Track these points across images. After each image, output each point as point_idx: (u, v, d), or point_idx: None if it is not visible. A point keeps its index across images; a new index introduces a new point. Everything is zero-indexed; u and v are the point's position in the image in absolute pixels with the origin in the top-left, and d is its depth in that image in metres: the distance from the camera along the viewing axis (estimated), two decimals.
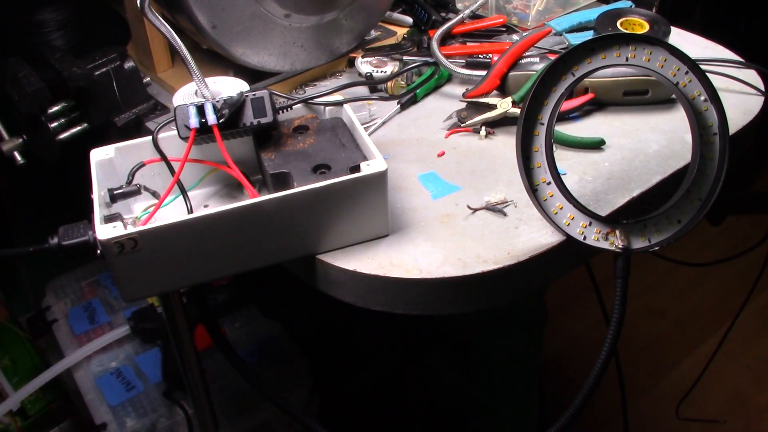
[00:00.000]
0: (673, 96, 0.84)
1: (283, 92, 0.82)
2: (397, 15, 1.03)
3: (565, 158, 0.77)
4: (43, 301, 1.35)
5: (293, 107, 0.73)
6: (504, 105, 0.82)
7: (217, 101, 0.65)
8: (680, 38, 0.99)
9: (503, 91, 0.86)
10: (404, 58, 0.93)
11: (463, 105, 0.85)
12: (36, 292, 1.37)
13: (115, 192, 0.65)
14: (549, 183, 0.64)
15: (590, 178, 0.74)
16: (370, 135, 0.75)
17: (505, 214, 0.69)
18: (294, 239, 0.64)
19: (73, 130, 0.82)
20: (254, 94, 0.66)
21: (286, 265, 0.68)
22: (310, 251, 0.65)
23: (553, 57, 0.77)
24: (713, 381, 1.73)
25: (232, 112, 0.65)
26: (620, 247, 0.64)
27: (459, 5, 1.05)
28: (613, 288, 0.64)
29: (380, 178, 0.62)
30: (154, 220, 0.62)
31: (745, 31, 2.15)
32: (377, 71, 0.91)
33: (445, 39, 0.98)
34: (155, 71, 0.93)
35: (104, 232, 0.57)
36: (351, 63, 0.95)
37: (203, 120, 0.64)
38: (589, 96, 0.83)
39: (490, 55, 0.92)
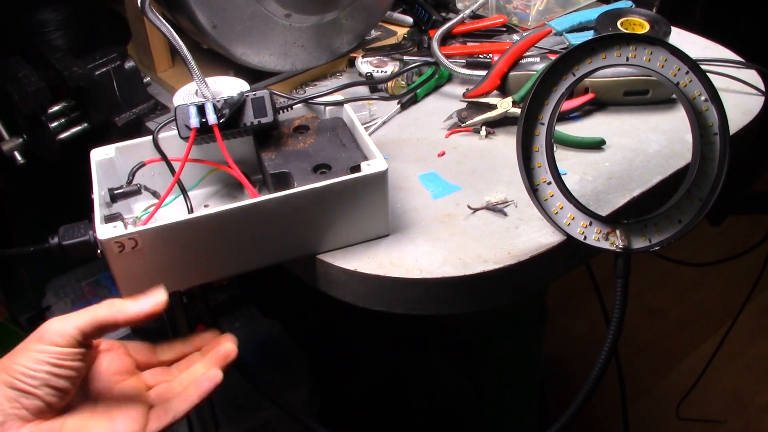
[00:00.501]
0: (674, 96, 0.84)
1: (284, 92, 0.82)
2: (397, 15, 1.03)
3: (565, 158, 0.77)
4: (43, 301, 1.35)
5: (293, 107, 0.73)
6: (504, 105, 0.82)
7: (218, 101, 0.65)
8: (680, 38, 0.99)
9: (503, 90, 0.86)
10: (404, 57, 0.93)
11: (464, 105, 0.85)
12: (36, 292, 1.37)
13: (115, 192, 0.65)
14: (549, 183, 0.64)
15: (591, 178, 0.74)
16: (370, 135, 0.75)
17: (505, 214, 0.69)
18: (294, 239, 0.64)
19: (74, 130, 0.82)
20: (255, 94, 0.66)
21: (286, 265, 0.68)
22: (311, 251, 0.65)
23: (553, 57, 0.77)
24: (713, 381, 1.73)
25: (232, 112, 0.65)
26: (620, 247, 0.64)
27: (459, 5, 1.05)
28: (613, 288, 0.64)
29: (381, 177, 0.62)
30: (155, 220, 0.62)
31: (745, 31, 2.15)
32: (377, 71, 0.91)
33: (446, 39, 0.98)
34: (155, 71, 0.93)
35: (104, 231, 0.57)
36: (351, 63, 0.95)
37: (204, 120, 0.64)
38: (590, 96, 0.83)
39: (491, 55, 0.92)
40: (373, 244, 0.66)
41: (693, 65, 0.63)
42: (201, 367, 0.62)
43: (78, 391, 0.56)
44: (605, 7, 0.98)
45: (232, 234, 0.60)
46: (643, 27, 0.92)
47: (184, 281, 0.63)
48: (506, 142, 0.81)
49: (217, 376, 0.60)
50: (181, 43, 0.67)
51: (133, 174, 0.66)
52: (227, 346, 0.63)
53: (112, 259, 0.58)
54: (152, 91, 0.89)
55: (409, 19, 1.03)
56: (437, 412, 1.51)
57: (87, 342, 0.54)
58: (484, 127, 0.82)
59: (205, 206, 0.72)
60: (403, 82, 0.91)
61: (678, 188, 0.66)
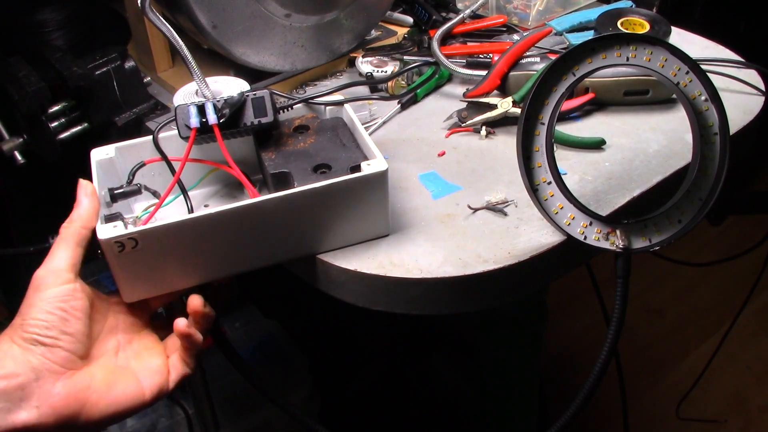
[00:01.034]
0: (674, 96, 0.84)
1: (284, 92, 0.82)
2: (397, 15, 1.03)
3: (565, 158, 0.77)
4: None
5: (294, 107, 0.73)
6: (504, 105, 0.82)
7: (218, 101, 0.65)
8: (680, 38, 0.99)
9: (504, 90, 0.86)
10: (405, 57, 0.93)
11: (464, 105, 0.85)
12: None
13: (115, 191, 0.65)
14: (549, 183, 0.64)
15: (591, 177, 0.74)
16: (370, 135, 0.75)
17: (505, 214, 0.69)
18: (294, 239, 0.64)
19: (74, 130, 0.82)
20: (255, 94, 0.66)
21: (286, 265, 0.68)
22: (311, 251, 0.65)
23: (553, 57, 0.77)
24: (713, 381, 1.73)
25: (232, 112, 0.65)
26: (621, 246, 0.64)
27: (459, 5, 1.05)
28: (613, 288, 0.64)
29: (381, 177, 0.62)
30: (155, 220, 0.62)
31: (745, 31, 2.15)
32: (378, 71, 0.91)
33: (446, 39, 0.98)
34: (156, 71, 0.93)
35: (104, 231, 0.57)
36: (351, 63, 0.95)
37: (204, 120, 0.64)
38: (590, 96, 0.83)
39: (491, 54, 0.92)
40: (373, 244, 0.66)
41: (693, 65, 0.63)
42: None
43: (100, 339, 0.58)
44: (605, 7, 0.98)
45: (232, 234, 0.60)
46: (643, 27, 0.92)
47: (184, 281, 0.63)
48: (506, 142, 0.81)
49: (209, 312, 0.61)
50: (181, 43, 0.67)
51: (133, 174, 0.66)
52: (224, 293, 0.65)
53: (112, 259, 0.58)
54: (152, 91, 0.89)
55: (409, 19, 1.03)
56: (437, 412, 1.51)
57: (77, 270, 0.56)
58: (484, 127, 0.82)
59: (205, 206, 0.72)
60: (403, 82, 0.91)
61: (678, 188, 0.66)
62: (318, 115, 0.73)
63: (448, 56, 0.92)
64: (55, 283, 0.55)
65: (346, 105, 0.72)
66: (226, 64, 0.88)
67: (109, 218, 0.61)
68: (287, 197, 0.60)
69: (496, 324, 1.14)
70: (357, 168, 0.63)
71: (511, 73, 0.85)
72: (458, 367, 1.52)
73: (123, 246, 0.57)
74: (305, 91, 0.92)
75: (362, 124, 0.69)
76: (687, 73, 0.63)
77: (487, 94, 0.85)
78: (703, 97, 0.64)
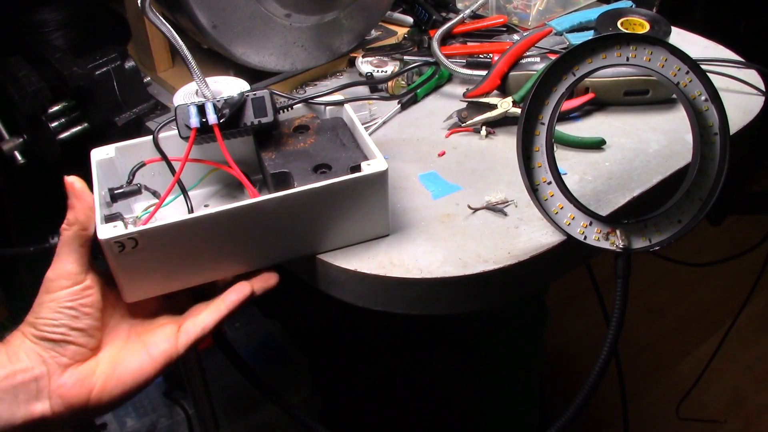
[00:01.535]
0: (674, 96, 0.84)
1: (284, 92, 0.82)
2: (397, 15, 1.03)
3: (565, 158, 0.77)
4: None
5: (294, 107, 0.73)
6: (504, 105, 0.82)
7: (218, 101, 0.65)
8: (681, 38, 0.99)
9: (504, 90, 0.86)
10: (405, 57, 0.93)
11: (464, 105, 0.85)
12: (36, 292, 1.37)
13: (115, 191, 0.65)
14: (549, 183, 0.64)
15: (591, 177, 0.74)
16: (370, 135, 0.75)
17: (505, 214, 0.69)
18: (294, 239, 0.64)
19: (74, 130, 0.82)
20: (255, 94, 0.66)
21: (286, 265, 0.68)
22: (311, 251, 0.65)
23: (553, 57, 0.77)
24: (713, 381, 1.73)
25: (232, 112, 0.65)
26: (621, 246, 0.64)
27: (459, 5, 1.05)
28: (613, 288, 0.64)
29: (381, 177, 0.62)
30: (155, 220, 0.62)
31: (745, 31, 2.15)
32: (378, 71, 0.91)
33: (446, 39, 0.98)
34: (156, 71, 0.93)
35: (105, 231, 0.57)
36: (351, 63, 0.95)
37: (204, 120, 0.64)
38: (590, 96, 0.83)
39: (491, 54, 0.92)
40: (373, 244, 0.66)
41: (693, 65, 0.63)
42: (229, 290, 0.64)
43: (112, 326, 0.59)
44: (605, 7, 0.98)
45: (232, 234, 0.60)
46: (643, 27, 0.92)
47: (184, 281, 0.63)
48: (506, 142, 0.81)
49: (244, 288, 0.62)
50: (181, 43, 0.67)
51: (133, 174, 0.66)
52: (269, 275, 0.64)
53: (112, 259, 0.58)
54: (152, 91, 0.89)
55: (409, 19, 1.03)
56: (437, 411, 1.51)
57: (86, 269, 0.57)
58: (484, 127, 0.82)
59: (205, 206, 0.72)
60: (403, 82, 0.91)
61: (678, 188, 0.66)
62: (318, 115, 0.73)
63: (448, 56, 0.92)
64: (64, 285, 0.56)
65: (346, 105, 0.72)
66: (226, 64, 0.88)
67: (109, 218, 0.61)
68: (287, 197, 0.60)
69: (496, 324, 1.14)
70: (357, 168, 0.63)
71: (511, 73, 0.85)
72: (458, 367, 1.52)
73: (123, 246, 0.57)
74: (305, 91, 0.92)
75: (362, 124, 0.69)
76: (687, 73, 0.63)
77: (487, 94, 0.85)
78: (703, 97, 0.64)
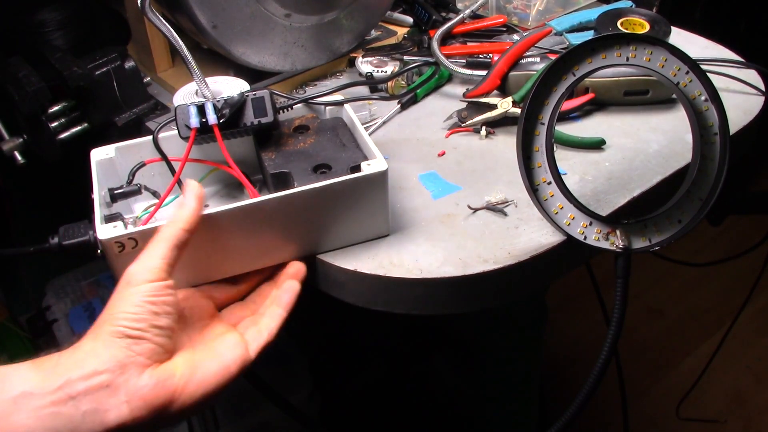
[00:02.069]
0: (674, 96, 0.84)
1: (284, 92, 0.82)
2: (397, 15, 1.03)
3: (565, 158, 0.77)
4: (43, 301, 1.35)
5: (294, 107, 0.73)
6: (504, 105, 0.82)
7: (218, 101, 0.65)
8: (680, 38, 0.99)
9: (504, 90, 0.86)
10: (405, 57, 0.93)
11: (464, 105, 0.85)
12: (36, 292, 1.37)
13: (115, 192, 0.65)
14: (549, 183, 0.64)
15: (591, 177, 0.74)
16: (370, 135, 0.75)
17: (505, 214, 0.69)
18: (294, 239, 0.64)
19: (74, 130, 0.82)
20: (255, 94, 0.66)
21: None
22: (311, 251, 0.65)
23: (553, 57, 0.77)
24: (713, 381, 1.73)
25: (232, 112, 0.65)
26: (621, 247, 0.64)
27: (459, 5, 1.05)
28: (613, 288, 0.64)
29: (381, 177, 0.62)
30: (155, 220, 0.62)
31: (745, 31, 2.15)
32: (378, 71, 0.91)
33: (446, 39, 0.98)
34: (155, 71, 0.93)
35: (105, 231, 0.57)
36: (351, 63, 0.95)
37: (204, 120, 0.64)
38: (590, 96, 0.83)
39: (491, 54, 0.92)
40: (373, 244, 0.66)
41: (693, 65, 0.63)
42: (276, 293, 0.63)
43: (176, 336, 0.57)
44: (605, 7, 0.98)
45: (232, 234, 0.60)
46: (643, 27, 0.92)
47: (184, 281, 0.63)
48: (506, 142, 0.81)
49: (294, 286, 0.62)
50: (181, 43, 0.67)
51: (133, 174, 0.66)
52: (295, 265, 0.64)
53: (113, 259, 0.58)
54: (152, 91, 0.89)
55: (409, 19, 1.03)
56: (437, 412, 1.51)
57: (172, 270, 0.55)
58: (484, 127, 0.82)
59: (206, 206, 0.72)
60: (403, 82, 0.91)
61: (678, 188, 0.66)
62: (318, 115, 0.73)
63: (448, 56, 0.92)
64: (148, 279, 0.53)
65: (346, 105, 0.72)
66: (226, 64, 0.88)
67: (109, 218, 0.61)
68: (287, 197, 0.60)
69: (496, 324, 1.14)
70: (357, 168, 0.63)
71: (511, 73, 0.85)
72: (458, 367, 1.52)
73: (123, 246, 0.57)
74: (305, 91, 0.92)
75: (362, 124, 0.69)
76: (687, 73, 0.63)
77: (487, 94, 0.85)
78: (703, 97, 0.64)
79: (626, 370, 1.18)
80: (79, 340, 0.52)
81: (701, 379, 1.53)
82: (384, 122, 0.85)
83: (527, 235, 0.67)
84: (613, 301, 0.63)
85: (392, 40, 0.99)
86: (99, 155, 0.66)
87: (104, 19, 1.00)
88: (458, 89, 0.90)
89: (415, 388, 1.55)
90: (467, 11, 1.00)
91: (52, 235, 0.60)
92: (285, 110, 0.72)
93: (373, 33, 0.99)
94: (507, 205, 0.70)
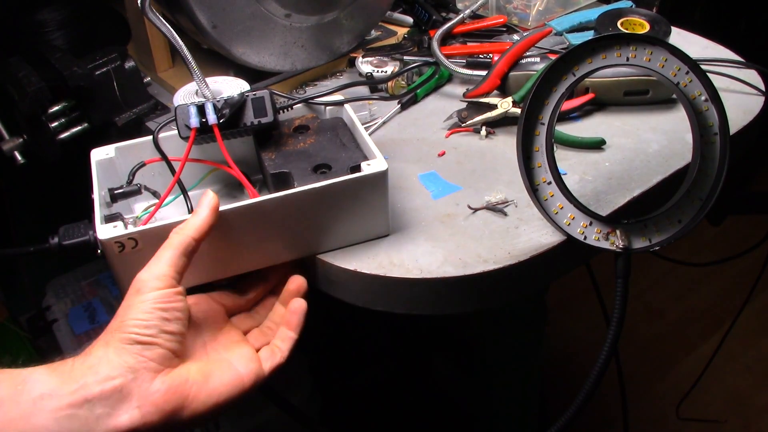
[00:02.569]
0: (674, 96, 0.84)
1: (284, 92, 0.83)
2: (397, 15, 1.03)
3: (565, 158, 0.77)
4: (43, 301, 1.35)
5: (294, 107, 0.73)
6: (504, 105, 0.82)
7: (218, 101, 0.65)
8: (681, 38, 0.99)
9: (504, 90, 0.86)
10: (405, 57, 0.93)
11: (464, 105, 0.85)
12: (36, 292, 1.37)
13: (115, 192, 0.65)
14: (549, 183, 0.64)
15: (591, 177, 0.74)
16: (370, 135, 0.75)
17: (505, 214, 0.69)
18: (294, 239, 0.64)
19: (74, 130, 0.82)
20: (255, 94, 0.66)
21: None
22: (311, 251, 0.65)
23: (553, 57, 0.77)
24: (713, 381, 1.73)
25: (232, 112, 0.65)
26: (621, 246, 0.64)
27: (459, 5, 1.05)
28: (613, 288, 0.64)
29: (381, 177, 0.62)
30: (155, 220, 0.62)
31: (745, 31, 2.15)
32: (378, 71, 0.91)
33: (446, 39, 0.98)
34: (156, 71, 0.93)
35: (105, 231, 0.57)
36: (351, 63, 0.95)
37: (204, 120, 0.64)
38: (590, 96, 0.83)
39: (491, 54, 0.92)
40: (373, 244, 0.66)
41: (693, 65, 0.63)
42: (281, 308, 0.64)
43: (188, 341, 0.57)
44: (605, 7, 0.98)
45: (232, 234, 0.60)
46: (643, 27, 0.92)
47: (184, 281, 0.63)
48: (506, 142, 0.81)
49: (301, 306, 0.62)
50: (181, 43, 0.67)
51: (133, 174, 0.66)
52: (296, 280, 0.64)
53: (113, 259, 0.58)
54: (152, 91, 0.89)
55: (409, 19, 1.03)
56: (437, 411, 1.51)
57: (181, 276, 0.55)
58: (484, 127, 0.82)
59: None
60: (403, 82, 0.91)
61: (678, 188, 0.66)
62: (318, 115, 0.73)
63: (448, 56, 0.92)
64: (157, 286, 0.54)
65: (346, 105, 0.72)
66: (226, 64, 0.88)
67: (109, 218, 0.61)
68: (287, 197, 0.60)
69: (496, 324, 1.14)
70: (357, 168, 0.63)
71: (511, 73, 0.85)
72: (458, 367, 1.52)
73: (123, 246, 0.57)
74: (305, 91, 0.92)
75: (362, 124, 0.69)
76: (687, 73, 0.63)
77: (487, 94, 0.85)
78: (703, 97, 0.64)
79: (626, 370, 1.18)
80: (89, 347, 0.53)
81: (701, 379, 1.53)
82: (384, 122, 0.85)
83: (527, 235, 0.67)
84: (613, 301, 0.63)
85: (392, 40, 0.99)
86: (99, 155, 0.66)
87: (104, 19, 1.00)
88: (458, 89, 0.90)
89: (415, 388, 1.55)
90: (467, 11, 1.00)
91: (52, 235, 0.60)
92: (285, 110, 0.72)
93: (373, 33, 0.99)
94: (507, 205, 0.70)
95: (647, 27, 0.92)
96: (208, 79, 0.69)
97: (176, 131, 0.65)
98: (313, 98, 0.73)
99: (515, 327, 1.13)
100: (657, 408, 1.73)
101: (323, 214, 0.63)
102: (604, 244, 0.65)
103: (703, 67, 0.63)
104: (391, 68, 0.92)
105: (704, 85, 0.63)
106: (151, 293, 0.53)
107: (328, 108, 0.73)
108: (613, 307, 0.63)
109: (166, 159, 0.66)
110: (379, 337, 1.54)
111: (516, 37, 0.95)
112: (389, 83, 0.90)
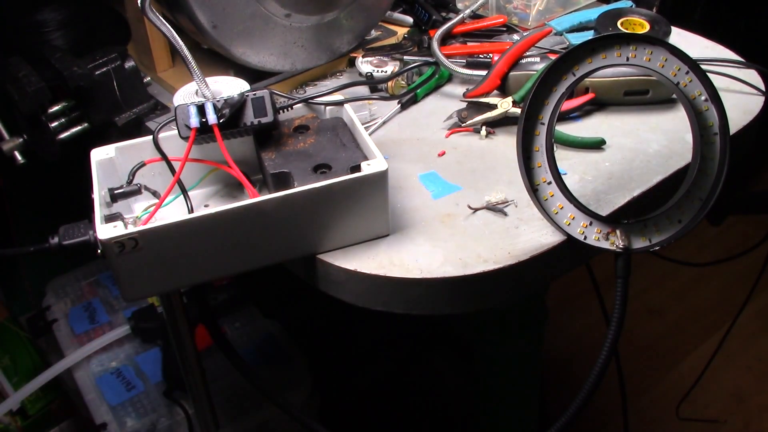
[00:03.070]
0: (674, 96, 0.84)
1: (284, 92, 0.82)
2: (397, 15, 1.03)
3: (565, 158, 0.77)
4: (43, 301, 1.35)
5: (294, 107, 0.73)
6: (504, 105, 0.82)
7: (218, 101, 0.65)
8: (680, 38, 0.99)
9: (504, 90, 0.86)
10: (405, 57, 0.93)
11: (464, 105, 0.85)
12: (36, 292, 1.37)
13: (115, 192, 0.65)
14: (549, 183, 0.64)
15: (591, 177, 0.74)
16: (370, 135, 0.75)
17: (505, 214, 0.69)
18: (294, 239, 0.64)
19: (74, 130, 0.82)
20: (255, 94, 0.66)
21: (286, 265, 0.68)
22: (311, 251, 0.65)
23: (553, 57, 0.77)
24: (713, 381, 1.73)
25: (232, 112, 0.65)
26: (621, 246, 0.64)
27: (459, 5, 1.05)
28: (613, 288, 0.64)
29: (381, 177, 0.62)
30: (155, 220, 0.62)
31: (745, 31, 2.15)
32: (378, 71, 0.91)
33: (446, 39, 0.98)
34: (156, 71, 0.93)
35: (105, 231, 0.57)
36: (351, 63, 0.95)
37: (204, 120, 0.64)
38: (590, 96, 0.83)
39: (491, 54, 0.92)
40: (373, 244, 0.66)
41: (693, 65, 0.63)
42: None
43: None
44: (605, 7, 0.98)
45: (232, 234, 0.60)
46: (643, 27, 0.92)
47: (184, 281, 0.63)
48: (506, 142, 0.81)
49: None
50: (181, 43, 0.67)
51: (133, 174, 0.66)
52: None
53: (113, 259, 0.58)
54: (152, 91, 0.89)
55: (409, 19, 1.03)
56: (437, 411, 1.51)
57: None
58: (484, 127, 0.82)
59: (206, 206, 0.72)
60: (403, 82, 0.91)
61: (678, 188, 0.66)
62: (318, 115, 0.73)
63: (448, 56, 0.92)
64: None
65: (346, 105, 0.72)
66: (226, 64, 0.88)
67: (109, 218, 0.61)
68: (287, 197, 0.60)
69: (496, 324, 1.14)
70: (357, 168, 0.63)
71: (511, 73, 0.85)
72: (458, 367, 1.52)
73: (123, 246, 0.57)
74: (305, 91, 0.92)
75: (362, 124, 0.69)
76: (687, 73, 0.63)
77: (487, 94, 0.85)
78: (703, 97, 0.64)
79: (626, 370, 1.18)
80: None
81: (701, 379, 1.53)
82: (384, 122, 0.85)
83: (527, 235, 0.67)
84: (613, 301, 0.63)
85: (392, 40, 0.99)
86: (99, 155, 0.66)
87: (104, 19, 1.00)
88: (458, 89, 0.90)
89: (415, 388, 1.55)
90: (467, 11, 1.00)
91: (52, 235, 0.60)
92: (285, 110, 0.72)
93: (373, 33, 0.99)
94: (507, 205, 0.70)
95: (647, 27, 0.92)
96: (208, 79, 0.69)
97: (176, 131, 0.65)
98: (313, 98, 0.73)
99: (515, 327, 1.13)
100: (657, 408, 1.73)
101: (323, 214, 0.63)
102: (604, 244, 0.65)
103: (703, 67, 0.63)
104: (391, 68, 0.92)
105: (704, 85, 0.63)
106: None
107: (328, 108, 0.73)
108: (613, 307, 0.63)
109: (166, 159, 0.66)
110: (378, 337, 1.54)
111: (516, 37, 0.95)
112: (389, 83, 0.90)
